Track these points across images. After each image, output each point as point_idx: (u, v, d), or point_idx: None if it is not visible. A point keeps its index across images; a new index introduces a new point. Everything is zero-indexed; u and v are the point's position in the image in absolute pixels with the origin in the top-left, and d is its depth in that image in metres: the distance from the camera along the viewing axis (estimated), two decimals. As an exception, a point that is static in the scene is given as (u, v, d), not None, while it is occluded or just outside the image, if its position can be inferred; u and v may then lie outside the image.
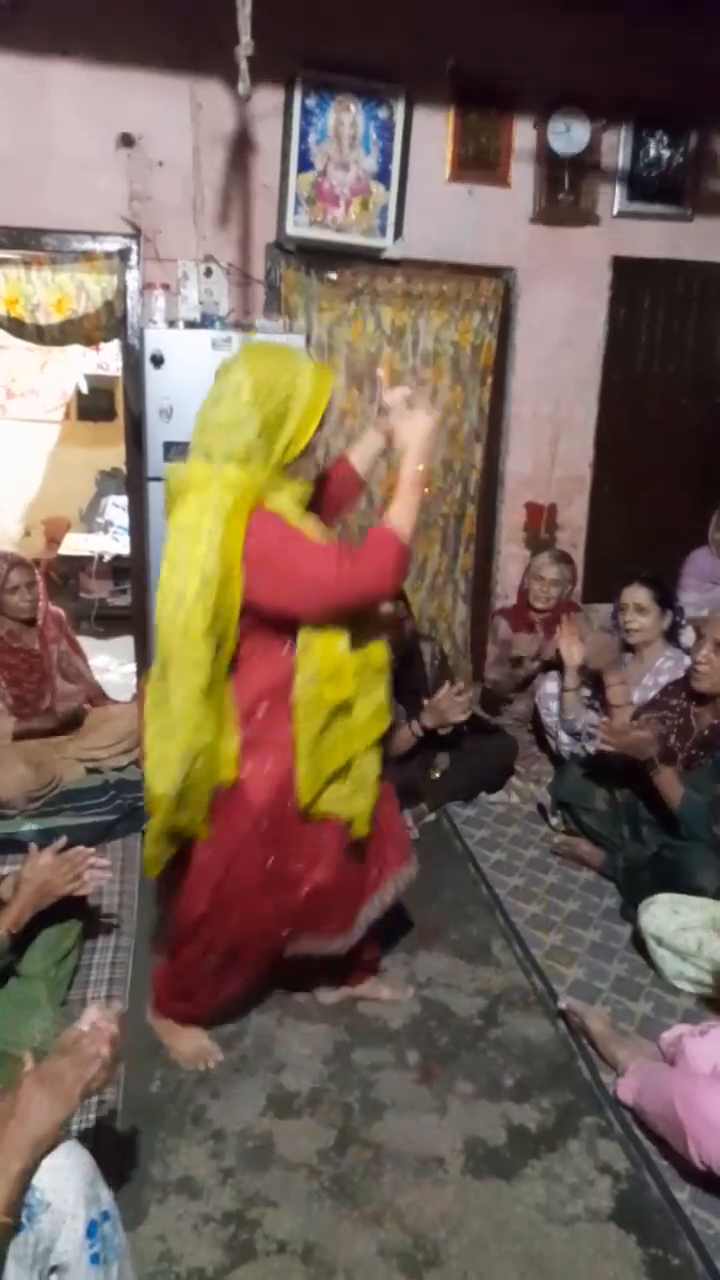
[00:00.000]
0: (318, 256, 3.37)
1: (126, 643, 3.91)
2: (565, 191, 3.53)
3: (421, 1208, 1.58)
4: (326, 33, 3.10)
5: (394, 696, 2.82)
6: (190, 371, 3.09)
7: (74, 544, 5.57)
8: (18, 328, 3.32)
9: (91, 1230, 1.12)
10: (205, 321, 3.17)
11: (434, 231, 3.45)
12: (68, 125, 3.07)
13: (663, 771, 2.23)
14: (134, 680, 3.51)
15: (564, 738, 2.91)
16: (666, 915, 1.97)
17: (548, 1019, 2.04)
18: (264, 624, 1.59)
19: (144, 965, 2.13)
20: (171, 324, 3.15)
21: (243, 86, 1.92)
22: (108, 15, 2.99)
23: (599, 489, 3.92)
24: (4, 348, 5.60)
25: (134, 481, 3.41)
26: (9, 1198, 1.03)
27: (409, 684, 2.84)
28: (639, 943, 2.13)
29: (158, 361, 3.06)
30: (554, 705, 2.96)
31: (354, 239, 3.38)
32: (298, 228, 3.31)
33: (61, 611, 3.13)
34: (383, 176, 3.35)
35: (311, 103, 3.22)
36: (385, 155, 3.33)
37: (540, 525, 3.86)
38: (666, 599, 2.80)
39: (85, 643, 3.39)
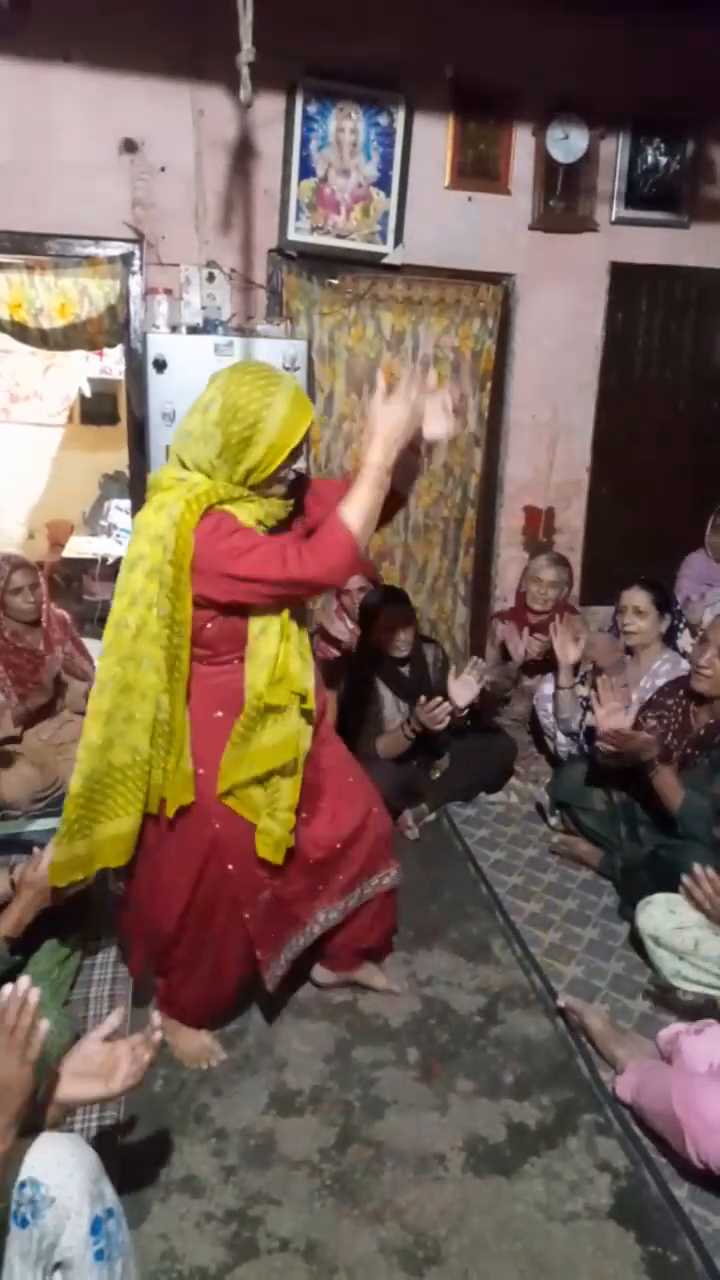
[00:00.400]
0: (319, 262, 3.40)
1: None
2: (563, 198, 3.55)
3: (422, 1205, 1.59)
4: (327, 40, 3.12)
5: (399, 697, 2.85)
6: (192, 376, 3.10)
7: (77, 547, 5.60)
8: (21, 332, 3.34)
9: (96, 1227, 1.13)
10: (207, 326, 3.19)
11: (434, 238, 3.47)
12: (70, 131, 3.09)
13: (662, 772, 2.24)
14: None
15: (561, 739, 2.92)
16: (663, 915, 1.98)
17: (547, 1017, 2.06)
18: (218, 629, 1.62)
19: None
20: (174, 329, 3.17)
21: (244, 93, 1.94)
22: (110, 21, 3.01)
23: (597, 493, 3.94)
24: (7, 352, 5.63)
25: (136, 485, 3.43)
26: None
27: (412, 685, 2.85)
28: (637, 941, 2.14)
29: (160, 366, 3.08)
30: (550, 706, 2.97)
31: (355, 245, 3.41)
32: (299, 233, 3.34)
33: (66, 614, 3.15)
34: (383, 183, 3.38)
35: (313, 109, 3.24)
36: (386, 162, 3.36)
37: (539, 529, 3.88)
38: (665, 602, 2.81)
39: (89, 645, 3.40)
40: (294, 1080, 1.86)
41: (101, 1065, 1.29)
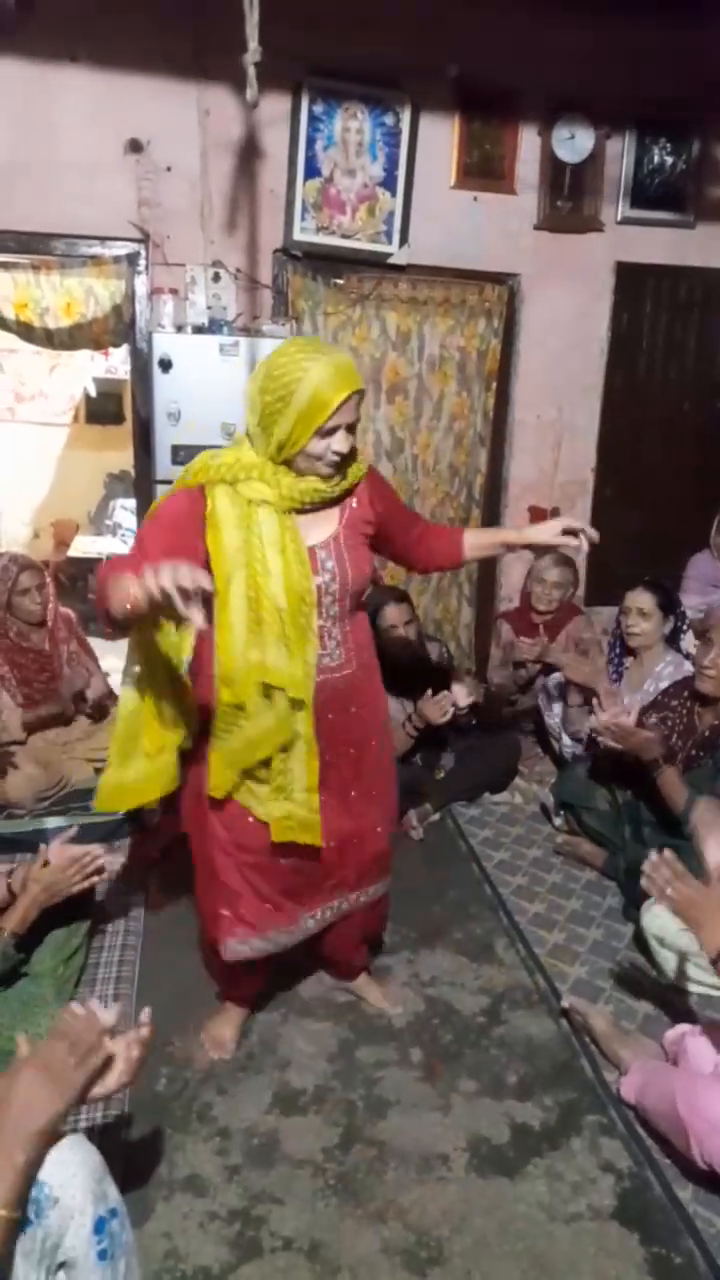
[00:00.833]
0: (324, 262, 3.40)
1: (133, 645, 3.92)
2: (569, 198, 3.55)
3: (425, 1205, 1.59)
4: (333, 40, 3.12)
5: (399, 696, 2.86)
6: (198, 376, 3.12)
7: (83, 546, 5.60)
8: (27, 332, 3.35)
9: (99, 1226, 1.12)
10: (212, 326, 3.19)
11: (439, 238, 3.47)
12: (76, 131, 3.10)
13: (666, 772, 2.24)
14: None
15: (566, 740, 2.92)
16: (668, 915, 1.98)
17: (550, 1017, 2.05)
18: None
19: (150, 963, 2.15)
20: (179, 328, 3.17)
21: (250, 93, 1.94)
22: (115, 21, 3.01)
23: (601, 493, 3.93)
24: (13, 351, 5.64)
25: (142, 484, 3.43)
26: (14, 1191, 1.01)
27: (416, 685, 2.85)
28: (641, 942, 2.14)
29: (165, 366, 3.09)
30: (555, 707, 2.97)
31: (360, 245, 3.41)
32: (304, 233, 3.34)
33: (71, 613, 3.16)
34: (389, 183, 3.37)
35: (318, 109, 3.24)
36: (391, 162, 3.36)
37: (544, 529, 3.86)
38: (669, 604, 2.81)
39: (94, 644, 3.40)
40: (297, 1080, 1.86)
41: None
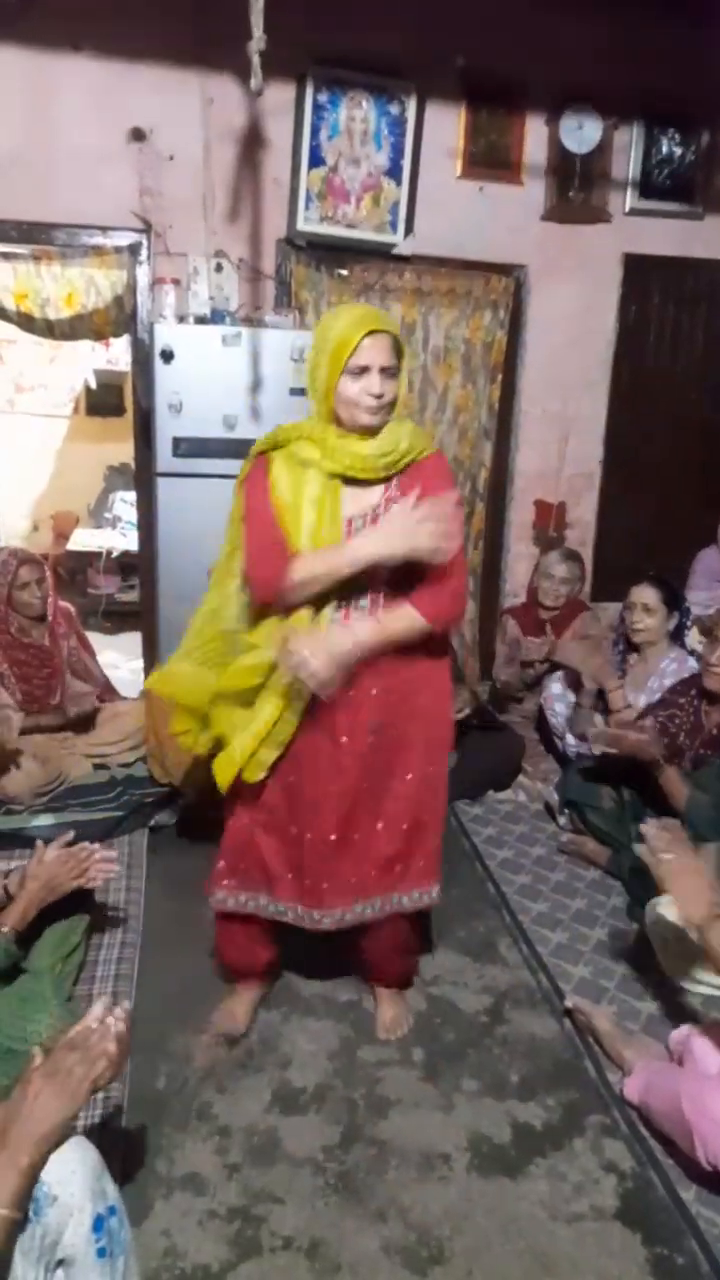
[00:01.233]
0: (328, 252, 3.37)
1: (134, 639, 3.91)
2: (576, 189, 3.51)
3: (426, 1204, 1.58)
4: (338, 29, 3.09)
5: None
6: (200, 367, 3.09)
7: (82, 539, 5.57)
8: (27, 322, 3.31)
9: (98, 1224, 1.12)
10: (215, 317, 3.16)
11: (445, 228, 3.43)
12: (78, 120, 3.07)
13: (667, 771, 2.23)
14: (142, 676, 3.51)
15: (570, 739, 2.90)
16: (673, 914, 1.96)
17: (554, 1017, 2.04)
18: None
19: (150, 961, 2.14)
20: (181, 319, 3.15)
21: (255, 82, 1.91)
22: (118, 10, 2.98)
23: (608, 487, 3.91)
24: (13, 342, 5.60)
25: (143, 477, 3.41)
26: (17, 1192, 1.04)
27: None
28: (645, 942, 2.13)
29: (167, 357, 3.06)
30: (559, 707, 2.96)
31: (365, 235, 3.37)
32: (308, 223, 3.31)
33: (71, 607, 3.14)
34: (394, 173, 3.34)
35: (323, 98, 3.21)
36: (396, 151, 3.32)
37: (549, 523, 3.85)
38: (674, 599, 2.79)
39: (93, 638, 3.39)
40: (298, 1078, 1.85)
41: None
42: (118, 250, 3.22)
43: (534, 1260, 1.49)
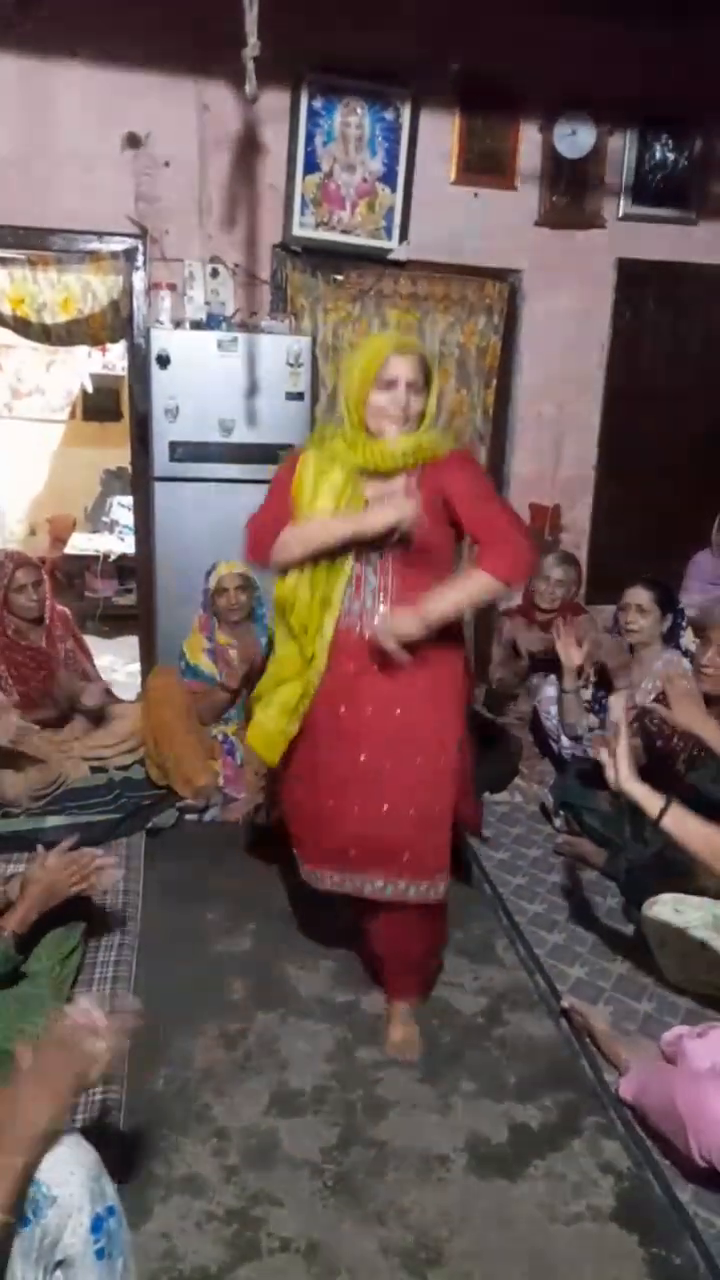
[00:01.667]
0: (323, 258, 3.38)
1: (131, 642, 3.92)
2: (570, 194, 3.54)
3: (424, 1206, 1.58)
4: (333, 35, 3.11)
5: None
6: (195, 371, 3.11)
7: (79, 543, 5.58)
8: (24, 327, 3.32)
9: (97, 1225, 1.12)
10: (211, 322, 3.18)
11: (440, 233, 3.45)
12: (74, 125, 3.08)
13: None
14: (139, 679, 3.52)
15: (565, 741, 2.91)
16: (669, 915, 1.97)
17: (550, 1018, 2.05)
18: None
19: (147, 963, 2.14)
20: (177, 324, 3.16)
21: (250, 88, 1.93)
22: (115, 16, 3.00)
23: (602, 490, 3.92)
24: (10, 347, 5.62)
25: (139, 481, 3.42)
26: (10, 1195, 1.02)
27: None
28: (641, 942, 2.13)
29: (163, 361, 3.07)
30: (554, 709, 2.96)
31: (360, 241, 3.39)
32: (304, 229, 3.32)
33: (67, 610, 3.14)
34: (389, 179, 3.36)
35: (318, 105, 3.23)
36: (391, 157, 3.34)
37: (545, 526, 3.86)
38: (668, 601, 2.80)
39: (90, 642, 3.40)
40: (296, 1080, 1.85)
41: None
42: (114, 255, 3.23)
43: (532, 1261, 1.49)
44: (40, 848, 1.85)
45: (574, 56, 3.30)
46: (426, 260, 3.48)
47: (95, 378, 5.82)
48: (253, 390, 3.14)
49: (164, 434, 3.13)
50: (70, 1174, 1.11)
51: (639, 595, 2.76)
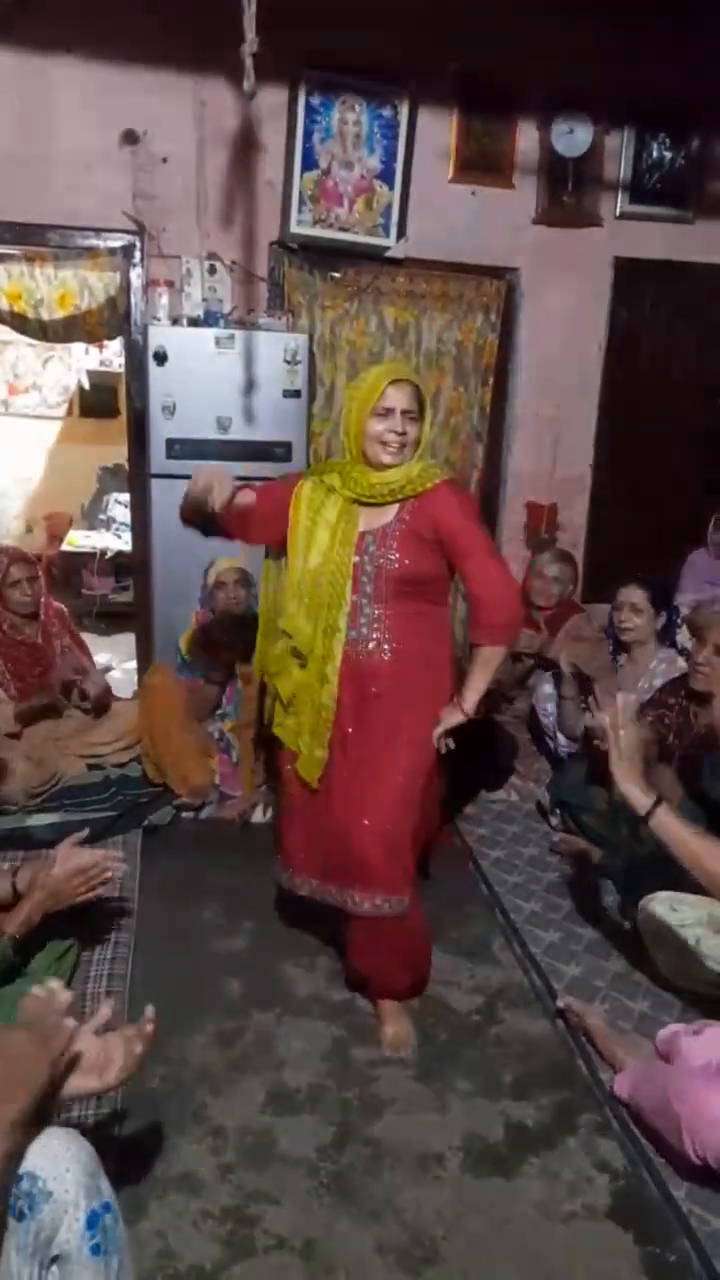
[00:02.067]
0: (321, 255, 3.38)
1: (128, 639, 3.91)
2: (568, 193, 3.53)
3: (420, 1204, 1.58)
4: (331, 32, 3.10)
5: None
6: (193, 369, 3.10)
7: (76, 540, 5.57)
8: (21, 323, 3.31)
9: (92, 1221, 1.12)
10: (208, 319, 3.17)
11: (437, 231, 3.45)
12: (72, 122, 3.07)
13: (660, 771, 2.24)
14: (135, 677, 3.51)
15: (561, 739, 2.92)
16: (664, 913, 1.98)
17: (546, 1016, 2.05)
18: None
19: (143, 961, 2.14)
20: (175, 321, 3.15)
21: (248, 84, 1.92)
22: (112, 12, 2.99)
23: (599, 489, 3.92)
24: (7, 343, 5.60)
25: (136, 478, 3.41)
26: None
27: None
28: (637, 941, 2.14)
29: (160, 358, 3.06)
30: (550, 707, 2.97)
31: (357, 238, 3.38)
32: (301, 226, 3.32)
33: (64, 607, 3.14)
34: (386, 176, 3.35)
35: (316, 102, 3.22)
36: (389, 155, 3.33)
37: (541, 525, 3.86)
38: (661, 599, 2.81)
39: (87, 639, 3.39)
40: (292, 1079, 1.85)
41: (95, 1058, 1.28)
42: (111, 252, 3.22)
43: (527, 1260, 1.50)
44: (48, 851, 1.85)
45: (572, 55, 3.29)
46: (424, 258, 3.47)
47: (92, 374, 5.81)
48: (250, 387, 3.14)
49: (161, 431, 3.12)
50: (66, 1170, 1.10)
51: (633, 594, 2.77)
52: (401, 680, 1.90)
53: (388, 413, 1.84)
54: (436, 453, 3.72)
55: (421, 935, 2.04)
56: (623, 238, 3.65)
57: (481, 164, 3.46)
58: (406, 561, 1.87)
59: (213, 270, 3.20)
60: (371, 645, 1.89)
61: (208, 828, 2.87)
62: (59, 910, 1.80)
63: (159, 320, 3.14)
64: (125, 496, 4.95)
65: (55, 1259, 1.10)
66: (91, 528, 5.80)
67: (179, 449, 3.14)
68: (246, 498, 1.96)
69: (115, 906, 2.26)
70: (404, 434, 1.85)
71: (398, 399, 1.84)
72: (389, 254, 3.43)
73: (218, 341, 3.10)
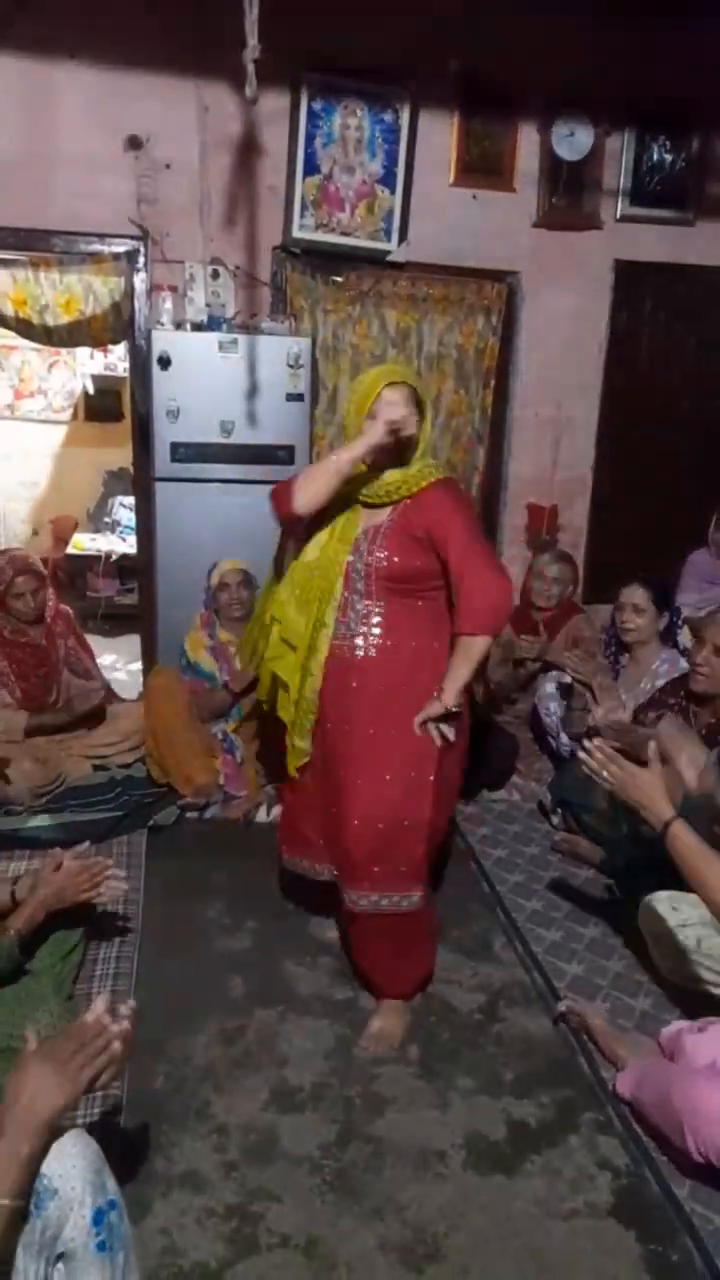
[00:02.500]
0: (323, 259, 3.39)
1: (133, 641, 3.93)
2: (568, 195, 3.54)
3: (422, 1202, 1.59)
4: (333, 37, 3.12)
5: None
6: (196, 373, 3.12)
7: (81, 543, 5.59)
8: (26, 328, 3.34)
9: (98, 1218, 1.12)
10: (211, 323, 3.19)
11: (438, 235, 3.46)
12: (75, 127, 3.09)
13: (666, 772, 2.23)
14: (140, 679, 3.53)
15: (564, 738, 2.92)
16: (665, 912, 1.98)
17: (548, 1015, 2.05)
18: None
19: (148, 960, 2.15)
20: (178, 325, 3.17)
21: (250, 90, 1.93)
22: (115, 18, 3.01)
23: (600, 491, 3.93)
24: (12, 348, 5.63)
25: (140, 481, 3.43)
26: (18, 1182, 1.03)
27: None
28: (638, 939, 2.14)
29: (164, 363, 3.08)
30: (553, 706, 2.97)
31: (359, 242, 3.40)
32: (303, 230, 3.33)
33: (69, 609, 3.15)
34: (388, 180, 3.37)
35: (317, 106, 3.24)
36: (390, 159, 3.35)
37: (542, 526, 3.87)
38: (664, 599, 2.81)
39: (92, 641, 3.41)
40: (295, 1077, 1.86)
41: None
42: (115, 257, 3.24)
43: (529, 1257, 1.50)
44: (55, 851, 1.87)
45: (572, 58, 3.31)
46: (425, 262, 3.48)
47: (97, 379, 5.83)
48: (253, 391, 3.16)
49: (165, 435, 3.14)
50: (72, 1166, 1.11)
51: (635, 595, 2.77)
52: (389, 676, 1.89)
53: (372, 413, 1.86)
54: (438, 455, 3.73)
55: (425, 935, 2.05)
56: (623, 240, 3.66)
57: (482, 167, 3.47)
58: (395, 559, 1.87)
59: (216, 275, 3.22)
60: (359, 640, 1.90)
61: (212, 828, 2.88)
62: (62, 909, 1.81)
63: (163, 325, 3.15)
64: (130, 500, 4.97)
65: (61, 1256, 1.10)
66: (97, 531, 5.82)
67: (183, 453, 3.16)
68: None
69: (120, 906, 2.27)
70: (404, 437, 1.86)
71: (393, 401, 1.85)
72: (390, 258, 3.44)
73: (221, 346, 3.12)
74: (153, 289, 3.22)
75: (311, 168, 3.29)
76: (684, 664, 2.64)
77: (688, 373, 3.87)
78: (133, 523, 3.88)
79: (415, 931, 2.00)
